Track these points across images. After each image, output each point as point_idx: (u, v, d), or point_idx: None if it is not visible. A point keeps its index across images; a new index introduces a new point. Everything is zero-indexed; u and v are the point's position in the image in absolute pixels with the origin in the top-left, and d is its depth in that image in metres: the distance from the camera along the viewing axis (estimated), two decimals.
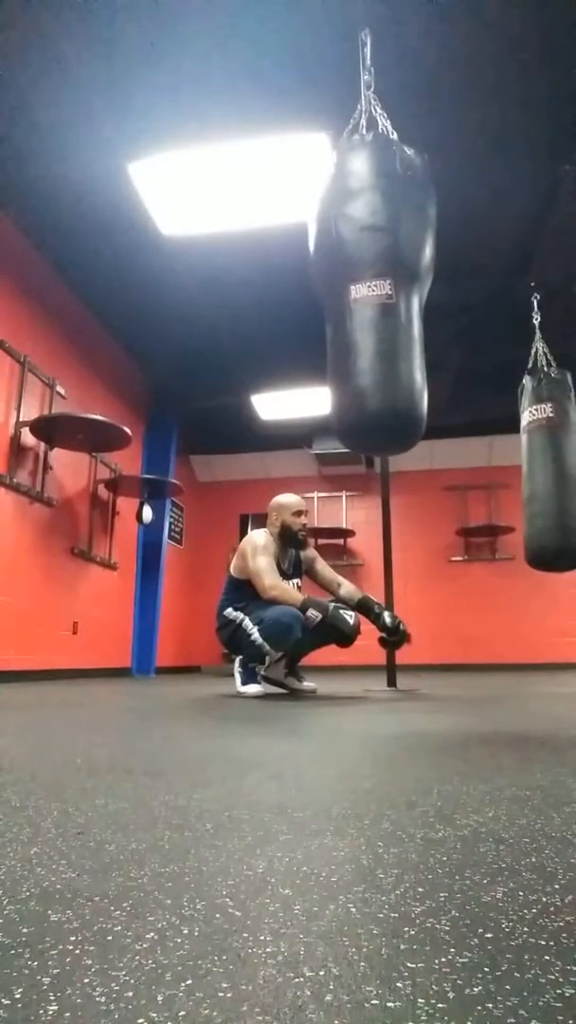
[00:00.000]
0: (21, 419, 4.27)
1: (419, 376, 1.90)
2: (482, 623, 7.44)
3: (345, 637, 2.91)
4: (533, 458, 3.77)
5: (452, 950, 0.40)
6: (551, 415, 3.73)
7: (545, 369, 3.98)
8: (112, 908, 0.47)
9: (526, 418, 3.87)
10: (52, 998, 0.35)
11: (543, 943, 0.41)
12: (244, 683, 3.02)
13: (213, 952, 0.40)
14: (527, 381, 3.93)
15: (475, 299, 4.70)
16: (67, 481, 4.96)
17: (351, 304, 1.90)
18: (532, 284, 4.33)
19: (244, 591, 3.08)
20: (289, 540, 3.16)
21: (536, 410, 3.80)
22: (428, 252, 1.98)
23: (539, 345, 4.21)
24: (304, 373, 5.60)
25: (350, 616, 2.94)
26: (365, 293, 1.88)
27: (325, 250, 2.01)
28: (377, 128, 2.25)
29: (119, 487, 5.65)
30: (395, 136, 2.17)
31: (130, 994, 0.35)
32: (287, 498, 3.24)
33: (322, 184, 2.07)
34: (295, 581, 3.19)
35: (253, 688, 2.98)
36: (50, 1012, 0.33)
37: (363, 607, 3.06)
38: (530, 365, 4.14)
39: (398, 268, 1.90)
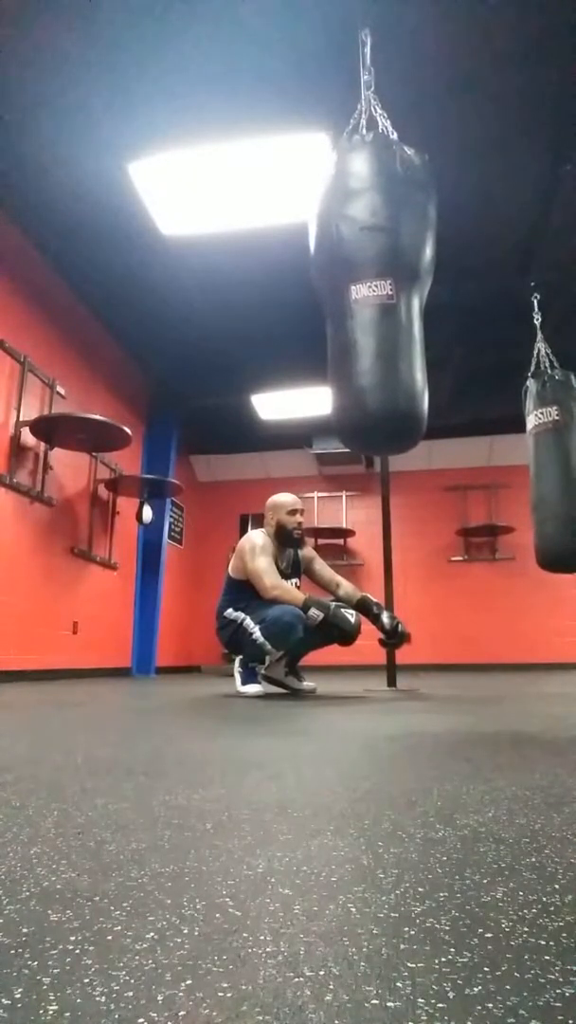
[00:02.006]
0: (21, 419, 4.27)
1: (420, 376, 1.90)
2: (482, 623, 7.44)
3: (347, 636, 2.91)
4: (541, 461, 3.76)
5: (452, 950, 0.40)
6: (557, 418, 3.73)
7: (549, 371, 3.97)
8: (112, 908, 0.47)
9: (532, 421, 3.86)
10: (52, 998, 0.35)
11: (543, 943, 0.41)
12: (244, 683, 3.02)
13: (213, 952, 0.40)
14: (531, 384, 3.93)
15: (475, 299, 4.70)
16: (67, 481, 4.96)
17: (352, 304, 1.89)
18: (532, 284, 4.33)
19: (243, 591, 3.08)
20: (285, 539, 3.16)
21: (542, 413, 3.79)
22: (428, 252, 1.98)
23: (541, 346, 4.21)
24: (304, 373, 5.60)
25: (351, 615, 2.94)
26: (366, 293, 1.87)
27: (326, 250, 2.01)
28: (377, 128, 2.25)
29: (119, 487, 5.65)
30: (395, 136, 2.17)
31: (130, 994, 0.35)
32: (282, 497, 3.24)
33: (322, 184, 2.06)
34: (293, 581, 3.19)
35: (253, 688, 2.98)
36: (50, 1012, 0.33)
37: (362, 607, 3.06)
38: (533, 367, 4.14)
39: (399, 268, 1.90)
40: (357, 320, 1.89)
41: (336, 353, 1.96)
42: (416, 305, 1.95)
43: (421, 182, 2.01)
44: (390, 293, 1.86)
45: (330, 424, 2.03)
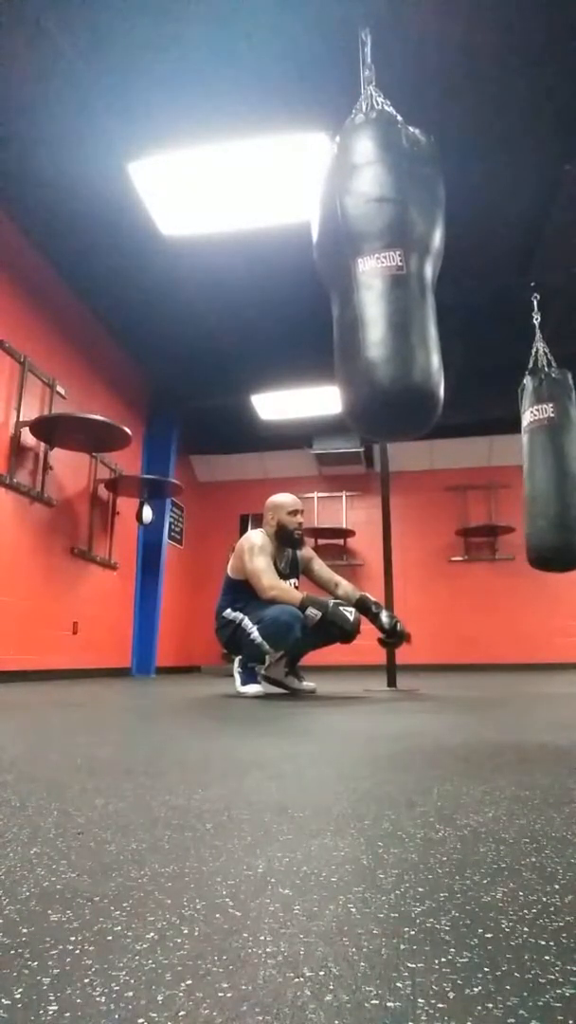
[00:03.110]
0: (21, 419, 4.27)
1: (435, 350, 1.77)
2: (482, 623, 7.44)
3: (346, 634, 2.91)
4: (534, 458, 3.77)
5: (452, 950, 0.40)
6: (552, 415, 3.74)
7: (546, 369, 3.98)
8: (112, 908, 0.47)
9: (527, 418, 3.87)
10: (52, 998, 0.35)
11: (543, 943, 0.41)
12: (244, 683, 3.02)
13: (213, 952, 0.40)
14: (528, 381, 3.94)
15: (475, 298, 4.70)
16: (67, 481, 4.96)
17: (359, 277, 1.76)
18: (532, 284, 4.33)
19: (242, 591, 3.08)
20: (285, 539, 3.16)
21: (537, 410, 3.80)
22: (438, 228, 1.88)
23: (539, 345, 4.22)
24: (304, 373, 5.60)
25: (350, 613, 2.94)
26: (374, 265, 1.76)
27: (331, 228, 1.89)
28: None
29: (119, 487, 5.65)
30: (399, 118, 2.13)
31: (130, 994, 0.35)
32: (282, 497, 3.24)
33: (325, 166, 1.97)
34: (292, 581, 3.19)
35: (253, 688, 2.98)
36: (50, 1012, 0.33)
37: (361, 606, 3.06)
38: (530, 365, 4.14)
39: (408, 240, 1.79)
40: (365, 292, 1.75)
41: (342, 333, 1.83)
42: (428, 277, 1.82)
43: (428, 158, 1.92)
44: (400, 264, 1.75)
45: (339, 411, 1.89)
